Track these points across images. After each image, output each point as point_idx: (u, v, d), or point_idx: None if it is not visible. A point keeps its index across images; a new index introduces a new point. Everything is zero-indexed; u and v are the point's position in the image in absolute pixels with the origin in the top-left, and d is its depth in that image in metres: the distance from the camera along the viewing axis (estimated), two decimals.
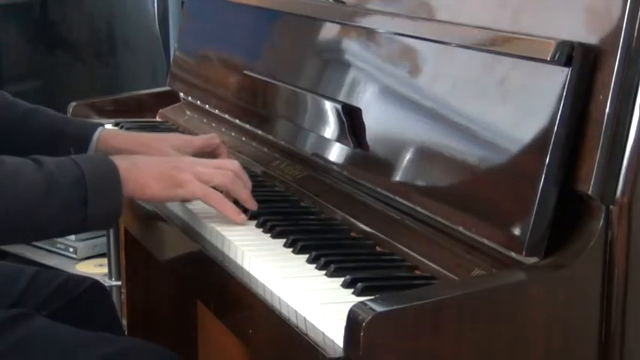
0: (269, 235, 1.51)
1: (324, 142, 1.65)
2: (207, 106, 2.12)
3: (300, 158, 1.75)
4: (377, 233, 1.48)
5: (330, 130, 1.62)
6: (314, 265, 1.38)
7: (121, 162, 1.51)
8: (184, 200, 1.62)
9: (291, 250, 1.44)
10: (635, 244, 1.20)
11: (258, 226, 1.55)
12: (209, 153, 1.77)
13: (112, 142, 1.81)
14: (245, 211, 1.57)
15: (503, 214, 1.26)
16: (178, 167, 1.55)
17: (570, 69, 1.21)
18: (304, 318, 1.24)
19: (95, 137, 1.81)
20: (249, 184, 1.60)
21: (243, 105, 1.95)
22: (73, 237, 3.21)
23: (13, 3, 3.23)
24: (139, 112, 2.31)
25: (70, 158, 1.50)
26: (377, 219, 1.51)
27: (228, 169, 1.58)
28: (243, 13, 2.06)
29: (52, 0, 3.28)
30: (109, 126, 2.11)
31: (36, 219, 1.44)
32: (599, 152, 1.20)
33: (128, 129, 2.14)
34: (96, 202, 1.46)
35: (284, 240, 1.47)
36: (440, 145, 1.40)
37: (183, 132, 2.16)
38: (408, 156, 1.45)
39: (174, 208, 1.68)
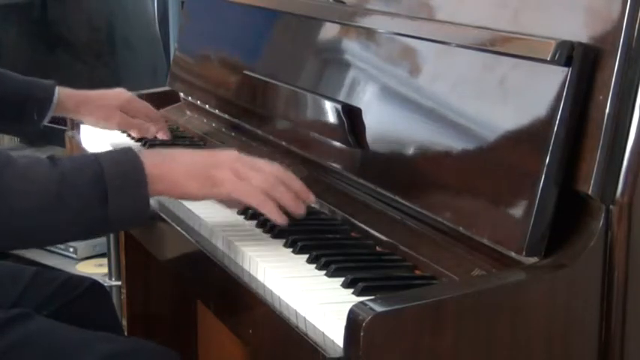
0: (269, 235, 1.51)
1: (324, 142, 1.65)
2: (207, 106, 2.12)
3: (300, 158, 1.75)
4: (377, 233, 1.48)
5: (330, 130, 1.61)
6: (314, 265, 1.38)
7: (150, 158, 1.41)
8: (221, 199, 1.52)
9: (291, 250, 1.44)
10: (635, 244, 1.20)
11: (258, 226, 1.55)
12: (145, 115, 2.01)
13: (65, 104, 1.97)
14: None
15: (503, 214, 1.26)
16: (216, 164, 1.45)
17: (570, 69, 1.21)
18: (304, 318, 1.24)
19: (55, 99, 1.94)
20: (297, 184, 1.49)
21: (243, 105, 1.95)
22: None
23: (13, 3, 3.23)
24: None
25: (92, 154, 1.41)
26: (377, 219, 1.50)
27: (267, 172, 1.46)
28: (243, 13, 2.06)
29: (52, 0, 3.27)
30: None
31: (51, 222, 1.35)
32: (599, 152, 1.19)
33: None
34: (117, 201, 1.34)
35: (284, 240, 1.47)
36: (440, 145, 1.40)
37: (183, 131, 2.16)
38: (407, 156, 1.45)
39: (175, 208, 1.67)
